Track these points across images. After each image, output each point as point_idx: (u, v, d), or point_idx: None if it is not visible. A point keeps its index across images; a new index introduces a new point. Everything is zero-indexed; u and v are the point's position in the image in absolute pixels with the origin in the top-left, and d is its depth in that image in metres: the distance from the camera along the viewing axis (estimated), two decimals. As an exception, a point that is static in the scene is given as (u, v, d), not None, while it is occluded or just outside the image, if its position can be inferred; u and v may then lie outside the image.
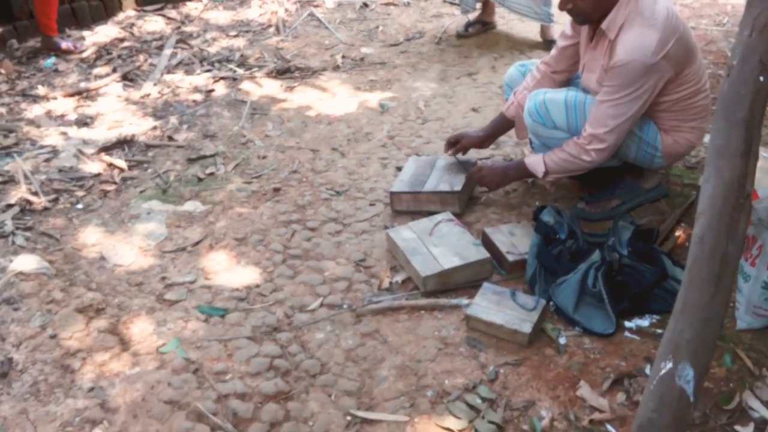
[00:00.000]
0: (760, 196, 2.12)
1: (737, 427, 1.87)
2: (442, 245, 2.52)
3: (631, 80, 2.34)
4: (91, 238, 2.77)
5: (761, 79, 1.69)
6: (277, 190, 3.06)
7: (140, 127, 3.60)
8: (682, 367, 1.66)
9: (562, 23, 4.53)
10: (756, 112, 1.70)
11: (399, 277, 2.52)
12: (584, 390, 2.01)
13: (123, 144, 3.44)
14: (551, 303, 2.30)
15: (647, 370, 2.04)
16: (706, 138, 2.98)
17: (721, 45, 4.24)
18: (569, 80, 2.78)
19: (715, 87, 3.52)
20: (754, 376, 2.01)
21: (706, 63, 3.89)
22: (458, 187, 2.79)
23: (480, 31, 4.60)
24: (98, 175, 3.20)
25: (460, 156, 2.95)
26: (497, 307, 2.26)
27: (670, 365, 1.67)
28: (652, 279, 2.27)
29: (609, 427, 1.91)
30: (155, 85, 4.03)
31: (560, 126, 2.53)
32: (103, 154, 3.36)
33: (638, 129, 2.51)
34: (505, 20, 4.75)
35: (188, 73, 4.18)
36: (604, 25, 2.39)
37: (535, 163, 2.61)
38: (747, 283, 2.15)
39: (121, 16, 4.90)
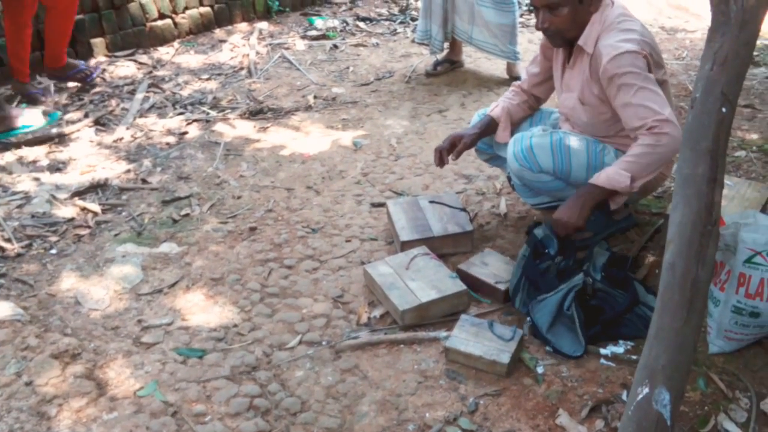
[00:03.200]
0: (726, 223, 2.19)
1: (714, 450, 1.91)
2: (419, 279, 2.55)
3: (633, 67, 2.36)
4: (66, 283, 2.75)
5: (723, 110, 1.77)
6: (253, 229, 3.07)
7: (113, 170, 3.60)
8: (658, 391, 1.69)
9: (527, 61, 4.66)
10: (720, 141, 1.77)
11: (377, 312, 2.53)
12: (563, 418, 2.03)
13: (96, 188, 3.44)
14: (528, 318, 2.33)
15: (624, 397, 2.07)
16: (675, 169, 3.08)
17: (682, 78, 4.38)
18: (539, 101, 2.89)
19: (678, 118, 3.64)
20: (728, 399, 2.05)
21: (668, 96, 4.02)
22: (469, 227, 2.83)
23: (448, 70, 4.70)
24: (72, 219, 3.19)
25: (443, 197, 3.00)
26: (475, 338, 2.29)
27: (646, 390, 1.70)
28: (624, 304, 2.31)
29: (589, 454, 1.93)
30: (128, 129, 4.04)
31: (546, 170, 2.55)
32: (76, 198, 3.34)
33: None
34: (473, 59, 4.86)
35: (161, 116, 4.20)
36: (581, 41, 2.47)
37: (613, 176, 2.38)
38: (717, 308, 2.20)
39: (92, 62, 4.91)
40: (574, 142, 2.56)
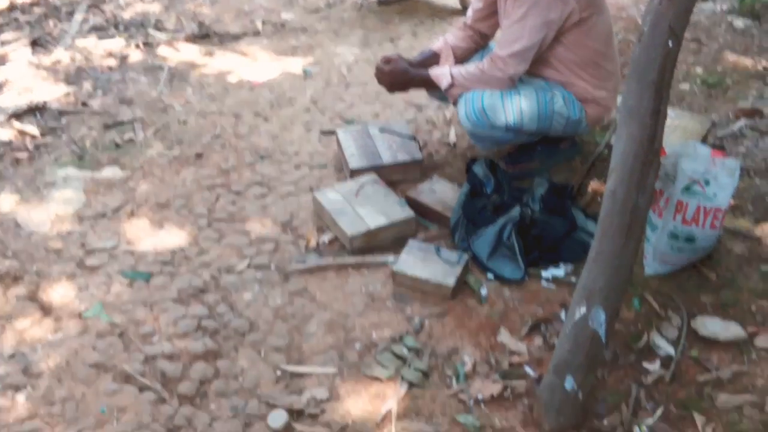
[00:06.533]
0: (667, 153, 2.25)
1: (645, 364, 2.01)
2: (367, 205, 2.56)
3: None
4: (5, 206, 2.67)
5: (670, 43, 1.79)
6: (199, 155, 3.02)
7: (52, 93, 3.47)
8: (595, 311, 1.76)
9: (480, -10, 4.61)
10: (665, 74, 1.80)
11: (326, 238, 2.54)
12: (504, 336, 2.11)
13: (34, 111, 3.31)
14: (469, 251, 2.40)
15: (562, 316, 2.15)
16: (620, 100, 3.12)
17: (632, 12, 4.39)
18: (485, 38, 2.86)
19: (626, 51, 3.68)
20: (660, 317, 2.15)
21: (617, 29, 4.05)
22: (418, 156, 2.83)
23: (401, -2, 4.61)
24: (9, 143, 3.07)
25: (393, 125, 3.00)
26: (423, 262, 2.33)
27: (584, 310, 1.77)
28: (562, 231, 2.38)
29: (527, 369, 2.01)
30: (67, 50, 3.87)
31: (499, 126, 2.55)
32: (13, 120, 3.22)
33: (567, 111, 2.60)
34: (426, -13, 4.78)
35: (101, 38, 4.03)
36: None
37: (442, 75, 2.60)
38: (654, 233, 2.28)
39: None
40: (524, 96, 2.55)
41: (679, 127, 2.90)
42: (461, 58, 2.83)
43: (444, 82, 2.59)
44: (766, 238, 2.43)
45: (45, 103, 3.37)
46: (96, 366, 2.02)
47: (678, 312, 2.16)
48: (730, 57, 3.74)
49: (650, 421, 1.83)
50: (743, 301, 2.19)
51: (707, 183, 2.18)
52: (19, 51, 3.84)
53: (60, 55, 3.81)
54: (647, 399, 1.90)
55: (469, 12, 2.85)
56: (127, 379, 1.98)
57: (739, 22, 4.17)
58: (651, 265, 2.31)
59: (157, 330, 2.15)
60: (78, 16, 4.24)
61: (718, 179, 2.17)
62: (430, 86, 2.69)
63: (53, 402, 1.92)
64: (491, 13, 2.77)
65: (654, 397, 1.90)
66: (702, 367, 1.98)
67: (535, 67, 2.59)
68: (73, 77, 3.63)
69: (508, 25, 2.50)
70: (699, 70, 3.62)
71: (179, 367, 2.02)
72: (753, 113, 3.18)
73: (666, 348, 2.04)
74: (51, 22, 4.18)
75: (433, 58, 2.82)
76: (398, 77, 2.67)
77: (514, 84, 2.55)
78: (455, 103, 2.64)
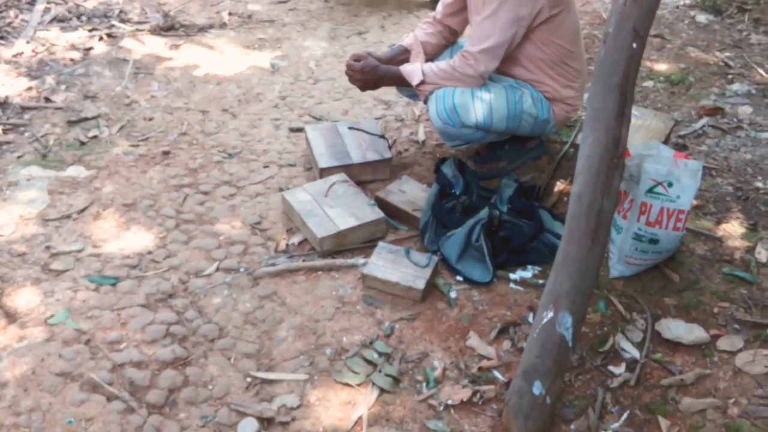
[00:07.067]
0: (632, 154, 2.28)
1: (611, 367, 2.05)
2: (337, 206, 2.56)
3: None
4: (-35, 207, 2.62)
5: (634, 45, 1.81)
6: (166, 153, 2.98)
7: (14, 87, 3.39)
8: (561, 315, 1.79)
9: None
10: (629, 76, 1.82)
11: (295, 239, 2.54)
12: (473, 340, 2.13)
13: (-5, 106, 3.24)
14: (438, 252, 2.42)
15: (530, 319, 2.18)
16: (586, 99, 3.15)
17: (597, 5, 4.44)
18: (455, 34, 2.86)
19: (591, 47, 3.71)
20: (625, 320, 2.19)
21: (582, 23, 4.09)
22: (387, 155, 2.83)
23: (369, -10, 4.59)
24: (-31, 140, 3.01)
25: (362, 123, 2.99)
26: (392, 265, 2.34)
27: (551, 314, 1.80)
28: (529, 233, 2.41)
29: (496, 373, 2.04)
30: (28, 42, 3.79)
31: (469, 125, 2.57)
32: (-27, 117, 3.15)
33: (535, 111, 2.62)
34: (394, -21, 4.76)
35: (64, 30, 3.95)
36: None
37: (413, 71, 2.61)
38: (619, 235, 2.32)
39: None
40: (494, 95, 2.56)
41: (642, 127, 2.94)
42: (431, 55, 2.83)
43: (415, 78, 2.59)
44: (728, 239, 2.49)
45: (7, 98, 3.30)
46: (63, 375, 2.00)
47: (642, 314, 2.20)
48: (693, 53, 3.80)
49: (616, 425, 1.88)
50: (706, 303, 2.24)
51: (670, 185, 2.21)
52: (-22, 43, 3.74)
53: (21, 47, 3.72)
54: (613, 403, 1.94)
55: (439, 7, 2.85)
56: (95, 388, 1.96)
57: (702, 17, 4.24)
58: (616, 268, 2.35)
59: (125, 337, 2.13)
60: (39, 6, 4.15)
61: (681, 181, 2.21)
62: (402, 83, 2.68)
63: (19, 413, 1.89)
64: (461, 9, 2.78)
65: (620, 401, 1.95)
66: (666, 370, 2.03)
67: (505, 65, 2.61)
68: (36, 71, 3.55)
69: (479, 21, 2.50)
70: (662, 67, 3.67)
71: (148, 375, 2.00)
72: (715, 111, 3.25)
73: (631, 351, 2.08)
74: (12, 13, 4.07)
75: (403, 54, 2.82)
76: (369, 75, 2.67)
77: (484, 81, 2.56)
78: (426, 101, 2.65)
